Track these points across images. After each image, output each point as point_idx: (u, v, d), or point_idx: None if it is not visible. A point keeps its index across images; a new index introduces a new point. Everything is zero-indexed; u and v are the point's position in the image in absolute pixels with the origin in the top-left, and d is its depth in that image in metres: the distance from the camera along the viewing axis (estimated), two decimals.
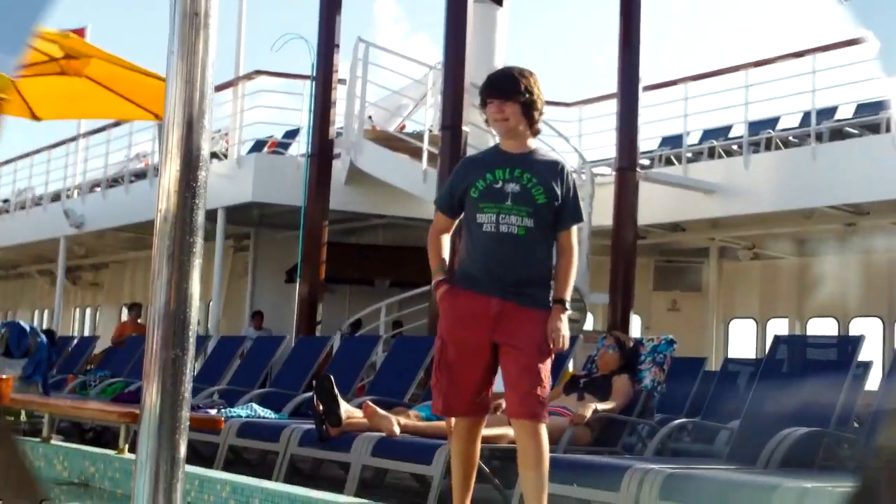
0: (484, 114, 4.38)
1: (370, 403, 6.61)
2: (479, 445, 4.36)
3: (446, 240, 4.46)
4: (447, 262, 4.42)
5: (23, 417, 8.76)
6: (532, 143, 4.37)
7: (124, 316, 19.03)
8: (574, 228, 4.32)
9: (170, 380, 2.44)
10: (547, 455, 4.21)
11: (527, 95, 4.26)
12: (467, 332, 4.24)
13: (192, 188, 2.48)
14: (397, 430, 6.36)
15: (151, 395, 2.44)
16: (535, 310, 4.21)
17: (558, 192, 4.24)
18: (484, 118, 4.36)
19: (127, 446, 6.11)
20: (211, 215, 14.96)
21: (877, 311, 14.71)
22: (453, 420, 5.91)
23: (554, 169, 4.30)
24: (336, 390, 6.59)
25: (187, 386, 2.46)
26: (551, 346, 4.18)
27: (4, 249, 22.28)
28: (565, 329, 4.20)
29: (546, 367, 4.19)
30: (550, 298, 4.24)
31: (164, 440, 2.43)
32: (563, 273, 4.28)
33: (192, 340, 2.48)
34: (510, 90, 4.26)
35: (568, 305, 4.25)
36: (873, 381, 6.66)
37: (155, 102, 7.33)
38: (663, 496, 4.77)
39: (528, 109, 4.28)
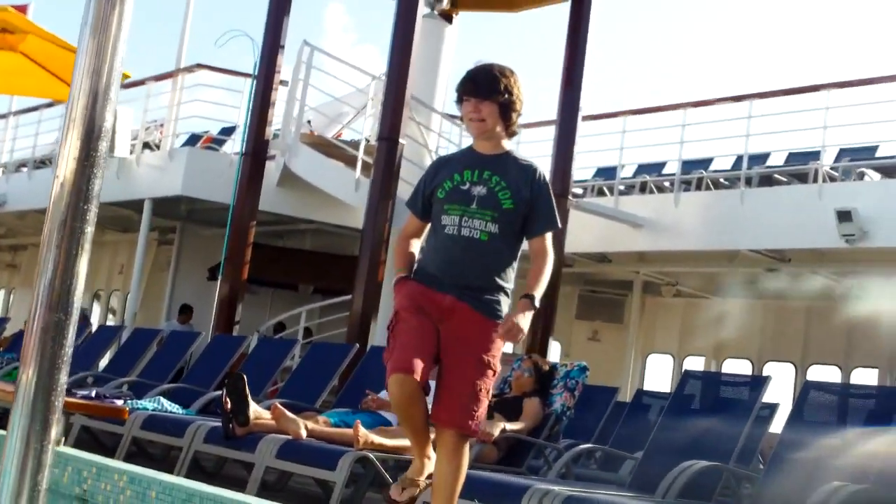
0: (459, 111, 4.17)
1: (279, 405, 6.56)
2: (425, 410, 4.02)
3: (415, 244, 4.27)
4: (413, 266, 4.21)
5: None
6: (507, 145, 4.17)
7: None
8: (548, 237, 4.09)
9: (47, 365, 2.42)
10: (462, 475, 4.05)
11: (506, 96, 4.06)
12: (420, 302, 4.04)
13: (91, 157, 2.45)
14: (304, 433, 6.32)
15: (27, 378, 2.42)
16: (487, 318, 4.01)
17: (528, 198, 4.04)
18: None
19: None
20: (137, 206, 14.82)
21: (790, 356, 14.98)
22: (360, 429, 5.92)
23: (526, 174, 4.08)
24: (247, 390, 6.53)
25: (64, 373, 2.44)
26: (503, 336, 3.96)
27: None
28: (525, 325, 3.96)
29: (484, 383, 3.99)
30: (505, 309, 4.04)
31: (36, 425, 2.42)
32: (536, 272, 4.04)
33: (75, 307, 2.46)
34: (489, 89, 4.06)
35: (536, 303, 4.00)
36: (779, 424, 6.77)
37: None
38: None
39: (507, 111, 4.08)
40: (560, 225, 4.18)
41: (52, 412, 2.43)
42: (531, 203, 4.05)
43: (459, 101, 4.14)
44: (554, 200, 4.14)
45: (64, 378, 2.46)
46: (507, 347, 13.74)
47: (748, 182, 12.66)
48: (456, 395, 4.00)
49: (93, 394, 7.79)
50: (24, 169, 18.30)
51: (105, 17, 2.47)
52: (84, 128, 2.44)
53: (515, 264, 4.12)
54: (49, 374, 2.42)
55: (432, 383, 4.09)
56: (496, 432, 6.43)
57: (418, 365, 3.94)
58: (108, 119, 2.48)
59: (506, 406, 6.88)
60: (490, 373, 4.02)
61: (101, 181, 2.47)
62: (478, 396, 3.99)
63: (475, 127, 4.11)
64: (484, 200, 4.02)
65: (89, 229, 2.46)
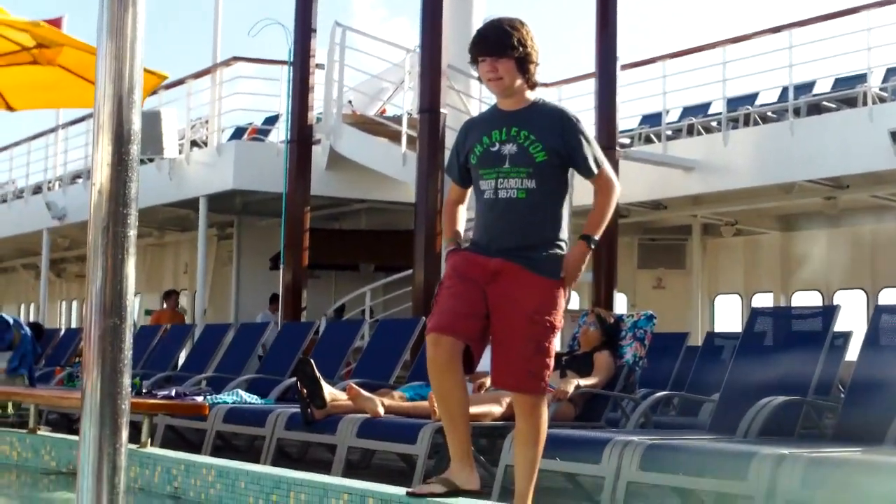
0: (476, 72, 4.09)
1: (353, 385, 6.66)
2: (461, 383, 3.97)
3: (461, 210, 4.21)
4: (461, 234, 4.17)
5: (10, 410, 8.78)
6: (531, 95, 4.07)
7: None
8: (604, 172, 4.00)
9: (109, 370, 2.46)
10: (542, 432, 4.01)
11: (520, 49, 3.95)
12: (467, 269, 3.99)
13: (124, 162, 2.49)
14: (381, 410, 6.41)
15: (91, 384, 2.46)
16: (537, 275, 3.92)
17: (562, 145, 3.94)
18: (476, 77, 4.12)
19: None
20: (193, 204, 15.00)
21: (859, 283, 14.83)
22: (434, 400, 5.98)
23: (556, 121, 3.98)
24: (317, 373, 6.63)
25: (127, 376, 2.49)
26: (562, 274, 3.93)
27: None
28: (577, 266, 3.94)
29: (542, 340, 3.92)
30: (559, 264, 3.96)
31: (106, 429, 2.44)
32: (593, 211, 4.01)
33: (129, 310, 2.51)
34: (502, 46, 3.95)
35: (591, 244, 3.96)
36: (854, 351, 6.73)
37: None
38: (644, 467, 4.83)
39: (523, 64, 3.98)
40: (604, 161, 4.06)
41: (119, 415, 2.47)
42: (568, 147, 3.97)
43: (475, 62, 4.05)
44: (591, 135, 4.06)
45: (127, 380, 2.49)
46: (574, 304, 13.73)
47: (796, 113, 12.50)
48: (513, 356, 3.95)
49: (173, 393, 7.96)
50: (80, 180, 18.58)
51: (120, 19, 2.51)
52: (113, 133, 2.48)
53: (564, 213, 4.05)
54: (111, 378, 2.46)
55: (468, 388, 4.06)
56: (571, 389, 6.47)
57: (457, 325, 3.89)
58: (136, 122, 2.52)
59: (577, 363, 6.91)
60: (548, 329, 3.94)
61: (138, 184, 2.52)
62: (537, 355, 3.93)
63: (495, 86, 4.04)
64: (516, 158, 3.95)
65: (132, 233, 2.51)
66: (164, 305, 16.27)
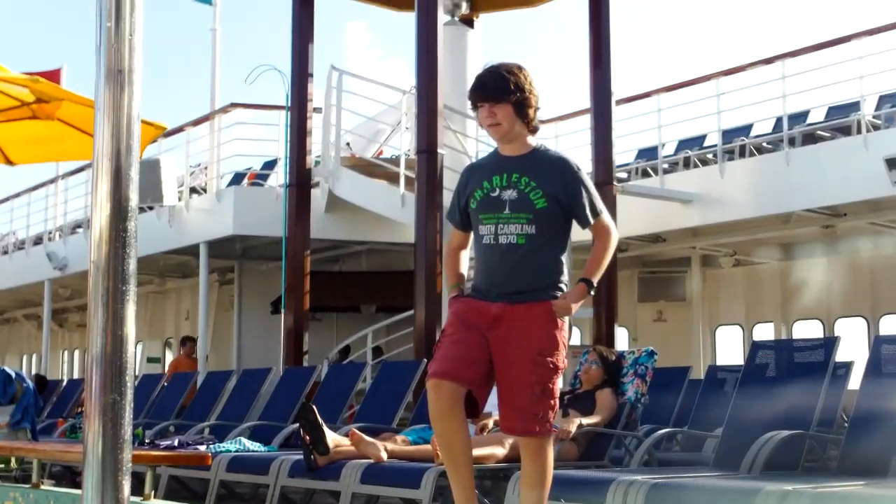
0: (475, 115, 4.15)
1: (356, 431, 6.65)
2: (463, 428, 3.97)
3: (463, 256, 4.24)
4: (464, 279, 4.20)
5: (13, 464, 8.75)
6: (533, 141, 4.12)
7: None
8: (602, 219, 4.06)
9: (110, 423, 2.48)
10: (549, 473, 4.04)
11: (518, 94, 4.00)
12: (468, 316, 4.02)
13: (121, 237, 2.53)
14: (384, 455, 6.40)
15: (92, 439, 2.48)
16: (536, 302, 3.97)
17: (563, 193, 3.99)
18: (474, 117, 4.12)
19: None
20: (193, 250, 15.02)
21: (860, 310, 14.81)
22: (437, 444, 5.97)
23: (558, 169, 4.04)
24: (320, 419, 6.62)
25: (127, 429, 2.50)
26: (554, 305, 3.95)
27: None
28: (572, 305, 3.96)
29: (546, 382, 3.95)
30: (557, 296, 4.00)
31: (108, 482, 2.46)
32: (593, 255, 4.08)
33: (129, 385, 2.53)
34: (500, 91, 4.00)
35: (591, 289, 4.00)
36: (857, 380, 6.72)
37: None
38: None
39: (522, 108, 4.02)
40: (603, 209, 4.12)
41: (121, 468, 2.49)
42: (569, 195, 4.00)
43: (474, 108, 4.10)
44: (591, 183, 4.09)
45: (128, 433, 2.51)
46: (575, 339, 13.70)
47: (791, 142, 12.54)
48: (520, 401, 3.97)
49: (175, 442, 7.96)
50: (80, 230, 18.62)
51: (116, 99, 2.55)
52: (111, 210, 2.52)
53: (564, 257, 4.08)
54: (113, 432, 2.49)
55: (471, 430, 4.04)
56: (573, 429, 6.47)
57: (457, 370, 3.91)
58: (133, 199, 2.56)
59: (579, 401, 6.91)
60: (551, 370, 3.96)
61: (135, 259, 2.54)
62: (543, 397, 3.95)
63: (494, 131, 4.08)
64: (516, 204, 3.98)
65: (131, 308, 2.53)
66: (181, 352, 16.14)
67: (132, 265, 2.53)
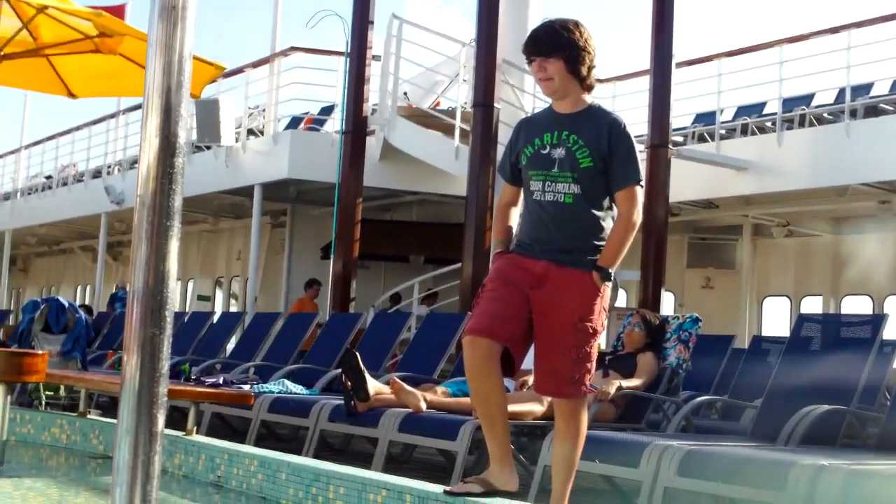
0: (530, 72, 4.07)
1: (397, 379, 6.71)
2: (499, 385, 3.95)
3: (513, 213, 4.20)
4: (511, 234, 4.15)
5: (62, 392, 8.94)
6: (588, 99, 4.04)
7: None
8: (635, 190, 3.95)
9: (148, 357, 2.50)
10: (582, 435, 4.04)
11: (570, 50, 3.93)
12: (511, 273, 4.00)
13: (168, 174, 2.54)
14: (423, 405, 6.46)
15: (130, 371, 2.51)
16: (581, 271, 3.92)
17: (607, 151, 3.92)
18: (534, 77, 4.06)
19: None
20: (248, 192, 15.17)
21: None
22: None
23: (605, 127, 3.95)
24: (362, 366, 6.69)
25: (165, 363, 2.53)
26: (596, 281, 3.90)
27: (47, 226, 22.60)
28: (601, 301, 3.93)
29: (585, 346, 3.93)
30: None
31: (143, 414, 2.49)
32: (610, 240, 3.97)
33: (169, 320, 2.56)
34: (552, 46, 3.93)
35: (608, 275, 3.94)
36: None
37: (191, 80, 7.40)
38: (682, 472, 4.82)
39: (574, 65, 3.95)
40: (643, 179, 4.03)
41: (157, 401, 2.51)
42: (611, 153, 3.94)
43: (529, 62, 4.05)
44: (637, 153, 4.02)
45: (166, 366, 2.54)
46: (621, 301, 13.64)
47: (853, 114, 12.36)
48: (557, 364, 3.96)
49: (220, 380, 8.10)
50: (137, 165, 18.81)
51: (168, 35, 2.56)
52: (159, 145, 2.52)
53: (609, 218, 4.03)
54: (150, 364, 2.51)
55: (511, 385, 4.05)
56: (612, 391, 6.48)
57: (494, 328, 3.89)
58: (181, 135, 2.56)
59: (620, 363, 6.92)
60: (590, 334, 3.95)
61: (181, 196, 2.57)
62: (579, 360, 3.94)
63: (545, 87, 4.04)
64: (563, 163, 3.94)
65: (174, 244, 2.55)
66: (306, 294, 15.68)
67: (178, 201, 2.56)
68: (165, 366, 2.56)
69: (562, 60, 3.95)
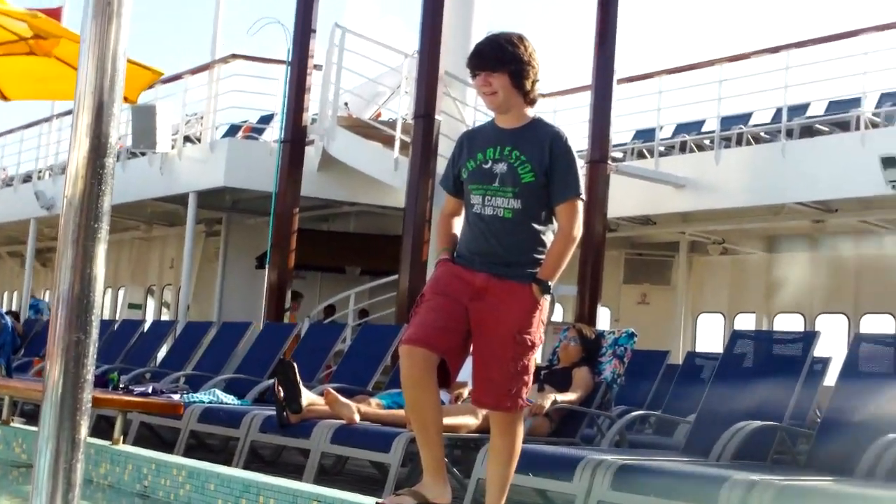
0: (475, 87, 4.04)
1: (331, 390, 6.64)
2: (434, 397, 3.91)
3: (457, 222, 4.15)
4: (455, 242, 4.10)
5: None
6: (531, 113, 4.02)
7: None
8: (576, 204, 3.94)
9: (72, 362, 2.44)
10: (517, 449, 4.02)
11: (515, 64, 3.91)
12: (450, 284, 3.97)
13: (98, 175, 2.47)
14: (357, 417, 6.39)
15: (54, 377, 2.44)
16: (520, 283, 3.90)
17: (548, 164, 3.90)
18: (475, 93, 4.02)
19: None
20: (182, 199, 14.97)
21: (842, 308, 14.84)
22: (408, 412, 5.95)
23: (547, 141, 3.93)
24: (297, 377, 6.61)
25: (89, 369, 2.47)
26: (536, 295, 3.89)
27: None
28: (539, 315, 3.90)
29: (523, 360, 3.91)
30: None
31: (66, 421, 2.42)
32: (549, 253, 3.92)
33: (95, 324, 2.49)
34: (497, 61, 3.92)
35: (547, 288, 3.90)
36: (833, 377, 6.72)
37: (126, 85, 7.26)
38: (615, 486, 4.81)
39: (518, 79, 3.93)
40: (583, 192, 4.01)
41: (80, 409, 2.44)
42: (551, 167, 3.92)
43: (473, 76, 4.02)
44: (577, 167, 4.00)
45: (90, 375, 2.47)
46: (557, 316, 13.61)
47: (789, 134, 12.51)
48: (495, 376, 3.93)
49: (150, 390, 7.93)
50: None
51: (103, 32, 2.49)
52: (89, 145, 2.44)
53: (549, 232, 4.01)
54: (74, 371, 2.44)
55: (446, 398, 4.02)
56: (547, 404, 6.46)
57: (431, 338, 3.86)
58: (112, 135, 2.49)
59: (555, 377, 6.90)
60: (529, 347, 3.92)
61: (110, 197, 2.49)
62: (518, 374, 3.92)
63: (489, 101, 4.01)
64: (505, 178, 3.92)
65: (102, 247, 2.48)
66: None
67: (107, 203, 2.48)
68: (90, 372, 2.49)
69: (507, 75, 3.93)
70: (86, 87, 2.49)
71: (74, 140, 2.47)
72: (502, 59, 3.93)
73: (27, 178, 19.88)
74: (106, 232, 2.48)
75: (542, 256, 3.97)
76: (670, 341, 14.47)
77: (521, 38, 4.01)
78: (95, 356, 2.49)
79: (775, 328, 15.24)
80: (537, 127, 4.02)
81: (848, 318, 14.71)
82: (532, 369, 4.02)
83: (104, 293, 15.26)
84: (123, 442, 5.97)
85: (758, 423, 5.44)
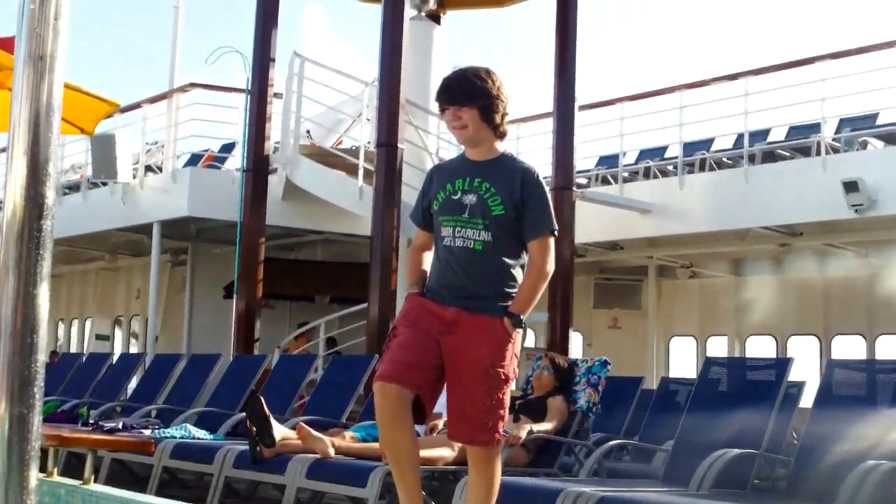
0: (438, 111, 4.11)
1: (304, 425, 6.58)
2: (409, 433, 3.90)
3: (427, 256, 4.15)
4: (425, 276, 4.11)
5: None
6: (500, 147, 4.06)
7: None
8: (548, 240, 3.97)
9: (17, 393, 2.32)
10: (496, 484, 4.01)
11: (485, 99, 3.94)
12: (421, 318, 3.97)
13: (35, 238, 2.36)
14: (331, 451, 6.34)
15: None
16: (491, 317, 3.91)
17: (519, 200, 3.93)
18: (436, 113, 4.03)
19: (56, 470, 6.02)
20: (146, 229, 14.83)
21: (813, 329, 14.97)
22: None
23: (518, 176, 3.96)
24: (267, 410, 6.54)
25: (37, 400, 2.35)
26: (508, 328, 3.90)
27: None
28: (512, 348, 3.92)
29: (497, 393, 3.91)
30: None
31: (14, 466, 2.30)
32: (522, 287, 3.96)
33: (41, 342, 2.37)
34: (465, 95, 3.95)
35: (519, 322, 3.92)
36: (809, 399, 6.76)
37: (82, 117, 7.18)
38: None
39: (488, 113, 3.96)
40: (556, 227, 4.04)
41: (28, 455, 2.34)
42: (524, 203, 3.95)
43: (442, 110, 4.06)
44: (549, 202, 4.02)
45: (37, 419, 2.37)
46: (529, 341, 13.64)
47: (751, 159, 12.63)
48: (468, 411, 3.93)
49: (120, 425, 7.83)
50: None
51: (36, 88, 2.37)
52: (23, 209, 2.35)
53: (521, 267, 4.03)
54: (20, 417, 2.34)
55: (421, 429, 4.00)
56: (523, 435, 6.45)
57: (405, 375, 3.85)
58: (50, 196, 2.40)
59: (530, 407, 6.89)
60: (502, 381, 3.92)
61: (49, 262, 2.38)
62: (493, 408, 3.91)
63: (459, 135, 4.04)
64: (475, 209, 3.94)
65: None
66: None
67: (46, 267, 2.37)
68: (37, 417, 2.37)
69: (476, 109, 3.96)
70: (18, 143, 2.37)
71: (8, 201, 2.35)
72: (471, 93, 3.96)
73: None
74: (46, 297, 2.35)
75: (511, 290, 3.98)
76: (643, 364, 14.53)
77: (488, 72, 4.03)
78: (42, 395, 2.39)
79: (747, 350, 15.35)
80: (507, 161, 4.06)
81: (819, 339, 14.85)
82: (507, 403, 4.01)
83: (70, 324, 15.10)
84: (95, 480, 5.87)
85: (736, 451, 5.45)
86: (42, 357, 2.38)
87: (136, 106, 15.67)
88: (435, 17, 13.60)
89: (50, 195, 2.40)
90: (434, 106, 4.15)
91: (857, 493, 4.57)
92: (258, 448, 6.55)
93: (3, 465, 2.30)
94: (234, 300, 12.92)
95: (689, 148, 13.62)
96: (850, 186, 11.03)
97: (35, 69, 2.40)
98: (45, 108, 2.40)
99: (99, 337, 20.34)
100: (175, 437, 7.64)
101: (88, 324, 21.13)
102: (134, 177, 15.19)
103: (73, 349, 20.68)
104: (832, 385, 5.69)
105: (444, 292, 3.99)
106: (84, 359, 11.92)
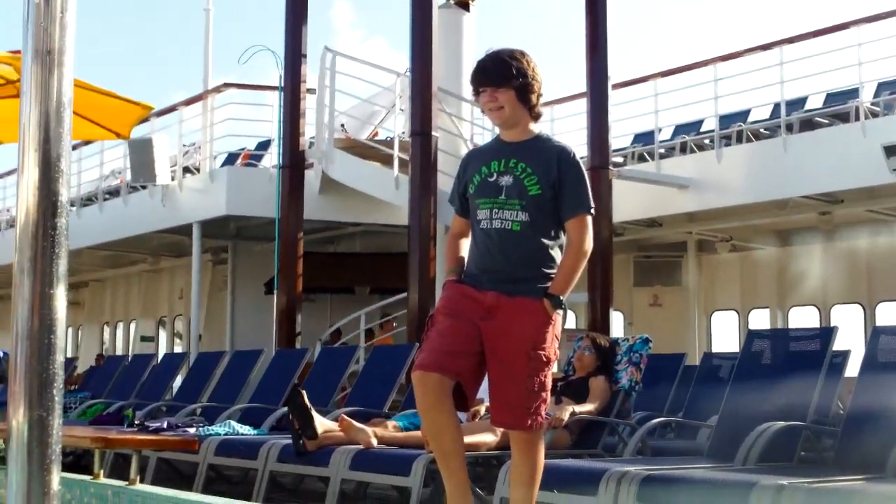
0: (477, 104, 4.09)
1: (346, 417, 6.58)
2: (452, 421, 3.89)
3: (464, 243, 4.14)
4: (463, 263, 4.09)
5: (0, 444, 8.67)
6: (535, 128, 4.06)
7: None
8: (586, 219, 3.94)
9: (37, 397, 2.28)
10: (539, 469, 3.98)
11: (520, 79, 3.93)
12: (460, 305, 3.94)
13: (50, 236, 2.33)
14: (374, 442, 6.33)
15: (17, 425, 2.30)
16: (531, 299, 3.88)
17: (556, 179, 3.91)
18: (468, 100, 4.04)
19: (103, 472, 6.05)
20: (187, 230, 14.93)
21: (856, 297, 14.79)
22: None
23: (554, 156, 3.95)
24: (308, 404, 6.54)
25: (57, 403, 2.30)
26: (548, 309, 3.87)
27: None
28: (553, 329, 3.89)
29: (539, 377, 3.88)
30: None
31: (35, 470, 2.26)
32: (561, 268, 3.93)
33: (59, 345, 2.33)
34: (502, 76, 3.94)
35: (559, 303, 3.90)
36: (854, 369, 6.65)
37: (117, 122, 7.23)
38: (640, 498, 4.74)
39: (524, 94, 3.95)
40: (593, 207, 4.01)
41: (49, 459, 2.29)
42: (560, 182, 3.93)
43: (476, 93, 4.04)
44: (587, 181, 4.00)
45: (58, 422, 2.32)
46: (570, 323, 13.56)
47: (789, 129, 12.48)
48: (511, 396, 3.90)
49: (165, 424, 7.88)
50: (73, 208, 18.50)
51: (45, 83, 2.34)
52: (37, 206, 2.31)
53: (559, 247, 4.00)
54: (39, 421, 2.30)
55: (463, 416, 3.97)
56: (566, 416, 6.40)
57: (445, 363, 3.83)
58: (63, 193, 2.36)
59: (572, 388, 6.84)
60: (544, 363, 3.90)
61: (66, 260, 2.35)
62: (535, 391, 3.88)
63: (495, 116, 4.02)
64: (511, 190, 3.92)
65: (60, 315, 2.33)
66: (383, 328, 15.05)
67: (62, 266, 2.33)
68: (58, 420, 2.32)
69: (512, 90, 3.95)
70: (29, 141, 2.33)
71: (21, 199, 2.32)
72: (507, 74, 3.94)
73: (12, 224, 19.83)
74: (63, 298, 2.31)
75: (550, 271, 3.95)
76: (685, 341, 14.41)
77: (522, 53, 4.03)
78: (62, 400, 2.35)
79: (790, 322, 15.18)
80: (543, 141, 4.05)
81: (863, 307, 14.65)
82: (549, 385, 3.98)
83: (115, 327, 15.24)
84: (141, 481, 5.90)
85: (781, 423, 5.35)
86: (60, 358, 2.34)
87: (172, 109, 15.80)
88: (464, 5, 13.55)
89: (63, 192, 2.37)
90: (467, 92, 4.17)
91: None
92: (301, 441, 6.55)
93: (24, 471, 2.27)
94: (275, 296, 12.97)
95: (726, 120, 13.47)
96: (892, 150, 10.85)
97: (43, 64, 2.36)
98: (55, 103, 2.37)
99: (144, 338, 20.55)
100: (219, 434, 7.67)
101: (133, 326, 21.33)
102: (172, 179, 15.30)
103: (119, 352, 20.89)
104: (877, 352, 5.58)
105: (482, 277, 3.96)
106: (129, 360, 12.00)
